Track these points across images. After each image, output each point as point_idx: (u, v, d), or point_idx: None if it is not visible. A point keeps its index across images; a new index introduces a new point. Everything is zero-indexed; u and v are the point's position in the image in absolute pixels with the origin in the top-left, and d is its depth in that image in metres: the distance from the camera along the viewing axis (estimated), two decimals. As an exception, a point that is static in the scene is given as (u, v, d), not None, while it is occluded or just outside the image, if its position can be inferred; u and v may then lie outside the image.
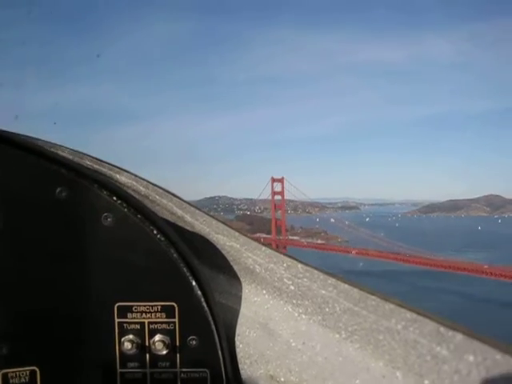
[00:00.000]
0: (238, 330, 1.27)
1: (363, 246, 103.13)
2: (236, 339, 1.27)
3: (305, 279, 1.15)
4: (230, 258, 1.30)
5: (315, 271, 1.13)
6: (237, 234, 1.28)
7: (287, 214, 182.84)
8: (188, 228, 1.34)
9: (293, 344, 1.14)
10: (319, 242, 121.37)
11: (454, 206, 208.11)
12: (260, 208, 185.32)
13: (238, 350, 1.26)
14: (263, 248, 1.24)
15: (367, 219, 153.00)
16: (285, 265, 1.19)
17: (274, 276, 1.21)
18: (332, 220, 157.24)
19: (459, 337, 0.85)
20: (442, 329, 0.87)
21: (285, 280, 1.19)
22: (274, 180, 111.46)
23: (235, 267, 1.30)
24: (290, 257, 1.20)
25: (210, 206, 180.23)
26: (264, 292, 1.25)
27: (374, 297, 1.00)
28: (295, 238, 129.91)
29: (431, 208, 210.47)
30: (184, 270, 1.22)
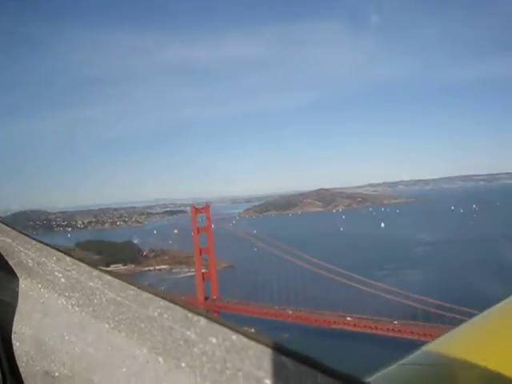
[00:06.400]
0: (14, 328, 1.23)
1: (259, 269, 78.91)
2: (13, 337, 1.23)
3: (73, 272, 1.15)
4: (3, 253, 1.26)
5: (81, 264, 1.14)
6: (7, 228, 1.25)
7: (107, 226, 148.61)
8: None
9: (66, 337, 1.13)
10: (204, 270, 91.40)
11: (287, 202, 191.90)
12: (83, 222, 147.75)
13: (15, 348, 1.22)
14: (33, 242, 1.22)
15: (213, 226, 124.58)
16: (54, 258, 1.18)
17: (46, 269, 1.20)
18: (175, 231, 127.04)
19: (203, 321, 0.91)
20: (189, 314, 0.93)
21: (56, 273, 1.18)
22: (196, 210, 77.50)
23: (10, 262, 1.26)
24: (59, 250, 1.19)
25: (25, 224, 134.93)
26: (39, 286, 1.22)
27: (133, 286, 1.04)
28: (163, 266, 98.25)
29: (265, 207, 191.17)
30: None
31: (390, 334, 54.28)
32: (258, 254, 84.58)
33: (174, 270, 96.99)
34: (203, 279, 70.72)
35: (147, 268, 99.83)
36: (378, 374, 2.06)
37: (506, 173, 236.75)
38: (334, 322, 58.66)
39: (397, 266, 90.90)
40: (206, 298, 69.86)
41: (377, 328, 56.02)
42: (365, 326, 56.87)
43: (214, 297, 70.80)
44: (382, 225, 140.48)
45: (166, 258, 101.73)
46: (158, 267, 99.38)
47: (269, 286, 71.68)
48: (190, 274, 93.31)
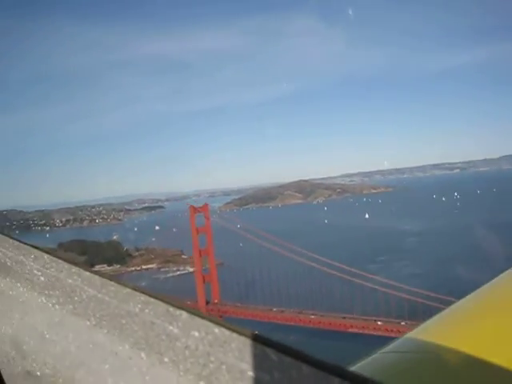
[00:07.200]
0: None
1: (251, 266, 75.68)
2: None
3: (52, 269, 1.15)
4: None
5: (59, 260, 1.14)
6: None
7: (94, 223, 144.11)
8: None
9: (47, 336, 1.13)
10: (191, 269, 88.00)
11: (267, 195, 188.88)
12: (61, 221, 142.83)
13: None
14: (11, 240, 1.22)
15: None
16: (32, 256, 1.18)
17: (25, 268, 1.20)
18: (157, 228, 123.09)
19: (185, 315, 0.91)
20: (170, 309, 0.93)
21: (35, 272, 1.18)
22: (195, 210, 73.47)
23: None
24: (36, 247, 1.19)
25: (2, 225, 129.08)
26: (18, 285, 1.22)
27: (112, 282, 1.04)
28: (150, 266, 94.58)
29: (245, 200, 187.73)
30: None
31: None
32: (246, 249, 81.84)
33: (162, 270, 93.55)
34: (203, 282, 67.35)
35: (133, 268, 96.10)
36: (361, 362, 2.12)
37: (482, 159, 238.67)
38: (348, 326, 56.05)
39: (389, 259, 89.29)
40: (207, 302, 66.74)
41: (386, 330, 53.60)
42: (374, 328, 54.36)
43: (216, 300, 67.53)
44: (367, 216, 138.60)
45: (152, 256, 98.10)
46: (144, 267, 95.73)
47: (264, 285, 69.29)
48: (179, 272, 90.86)
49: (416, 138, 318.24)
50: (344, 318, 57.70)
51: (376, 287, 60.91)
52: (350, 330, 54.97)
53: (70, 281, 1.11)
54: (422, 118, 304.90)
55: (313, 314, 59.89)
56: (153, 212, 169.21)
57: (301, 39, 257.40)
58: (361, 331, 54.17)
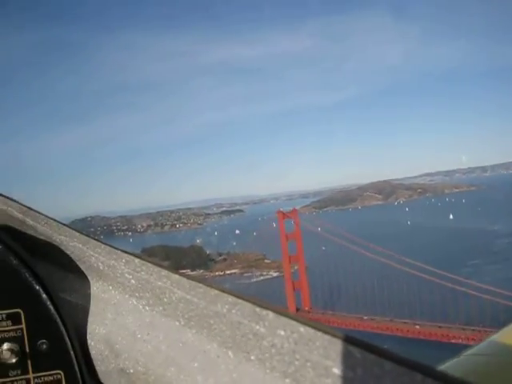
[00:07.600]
0: (89, 329, 1.29)
1: (337, 270, 73.01)
2: (88, 337, 1.29)
3: (142, 272, 1.19)
4: (75, 258, 1.32)
5: (149, 264, 1.18)
6: (77, 233, 1.30)
7: (163, 228, 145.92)
8: (30, 232, 1.35)
9: (139, 336, 1.18)
10: (275, 274, 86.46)
11: (346, 197, 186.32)
12: (142, 226, 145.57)
13: (90, 347, 1.28)
14: (103, 246, 1.27)
15: (274, 225, 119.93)
16: (124, 260, 1.23)
17: (116, 272, 1.25)
18: (237, 232, 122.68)
19: (271, 315, 0.92)
20: (257, 309, 0.95)
21: (126, 275, 1.23)
22: (284, 215, 71.64)
23: (81, 266, 1.32)
24: (127, 252, 1.24)
25: (87, 230, 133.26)
26: (110, 288, 1.28)
27: (201, 284, 1.07)
28: (234, 270, 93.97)
29: (324, 202, 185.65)
30: (26, 275, 1.23)
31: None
32: (329, 253, 79.70)
33: (245, 274, 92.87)
34: (293, 289, 65.52)
35: (217, 273, 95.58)
36: (445, 363, 2.13)
37: None
38: (451, 336, 52.29)
39: (482, 262, 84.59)
40: (297, 310, 64.25)
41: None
42: (480, 339, 50.57)
43: (306, 308, 65.28)
44: (451, 216, 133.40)
45: (235, 261, 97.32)
46: (228, 271, 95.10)
47: (352, 290, 66.99)
48: (262, 277, 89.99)
49: (497, 133, 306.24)
50: (440, 327, 54.57)
51: (474, 293, 57.25)
52: (454, 340, 51.61)
53: (159, 283, 1.15)
54: (502, 113, 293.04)
55: (408, 323, 56.88)
56: (232, 216, 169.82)
57: (369, 39, 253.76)
58: (465, 342, 50.76)
